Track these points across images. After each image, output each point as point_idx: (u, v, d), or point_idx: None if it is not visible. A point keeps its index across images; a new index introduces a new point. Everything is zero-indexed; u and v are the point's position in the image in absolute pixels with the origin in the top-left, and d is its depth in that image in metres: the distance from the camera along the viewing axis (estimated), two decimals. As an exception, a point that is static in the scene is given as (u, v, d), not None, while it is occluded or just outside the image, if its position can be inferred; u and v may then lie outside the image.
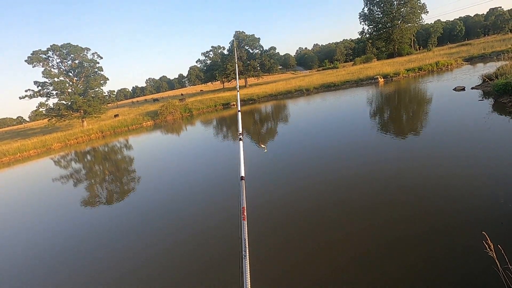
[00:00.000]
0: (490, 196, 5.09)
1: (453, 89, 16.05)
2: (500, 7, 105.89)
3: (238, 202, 1.42)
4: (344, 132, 12.49)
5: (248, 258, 1.04)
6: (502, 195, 4.97)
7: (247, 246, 1.10)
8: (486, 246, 2.62)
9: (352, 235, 4.86)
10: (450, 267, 3.72)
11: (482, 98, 13.01)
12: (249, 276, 0.97)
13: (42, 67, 41.72)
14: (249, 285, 0.92)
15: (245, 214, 1.32)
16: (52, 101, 44.11)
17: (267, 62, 58.92)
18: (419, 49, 72.89)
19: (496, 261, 2.70)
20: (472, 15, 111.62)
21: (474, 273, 3.50)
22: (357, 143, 10.42)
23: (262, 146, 2.89)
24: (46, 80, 41.24)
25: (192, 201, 8.11)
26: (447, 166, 6.81)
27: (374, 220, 5.16)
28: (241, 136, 2.13)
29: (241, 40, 58.15)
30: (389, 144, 9.54)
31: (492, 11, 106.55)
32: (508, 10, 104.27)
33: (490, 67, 19.94)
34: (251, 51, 60.28)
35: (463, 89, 15.64)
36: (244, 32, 58.13)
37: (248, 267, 1.01)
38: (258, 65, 59.87)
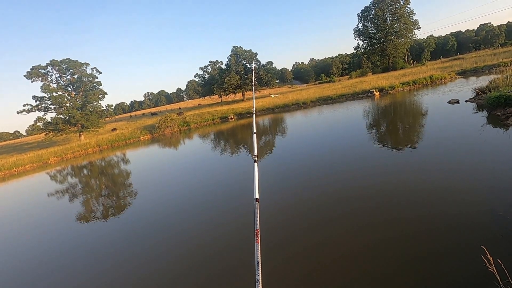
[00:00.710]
0: (488, 209, 5.08)
1: (448, 102, 16.30)
2: (490, 23, 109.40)
3: (253, 223, 1.42)
4: (343, 146, 12.55)
5: (261, 282, 1.03)
6: (500, 208, 4.96)
7: (260, 270, 1.09)
8: (486, 261, 2.60)
9: (356, 251, 4.81)
10: (450, 283, 3.66)
11: (476, 110, 13.21)
12: None
13: (41, 82, 41.99)
14: None
15: (259, 237, 1.31)
16: (50, 116, 44.16)
17: (264, 76, 59.75)
18: (413, 63, 74.49)
19: (497, 276, 2.67)
20: (463, 31, 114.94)
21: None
22: (356, 156, 10.46)
23: (273, 96, 2.82)
24: (45, 94, 41.42)
25: (198, 219, 8.01)
26: (443, 179, 6.83)
27: (373, 237, 5.11)
28: (255, 158, 2.11)
29: (239, 55, 59.15)
30: (386, 157, 9.57)
31: (482, 26, 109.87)
32: (498, 25, 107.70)
33: (482, 81, 20.37)
34: (248, 66, 61.22)
35: (457, 102, 15.90)
36: (242, 47, 59.23)
37: None
38: (255, 79, 60.67)
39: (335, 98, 33.68)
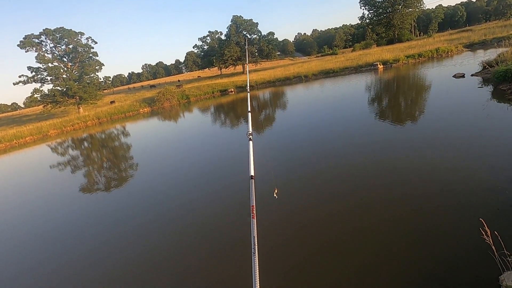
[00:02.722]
0: (488, 183, 5.12)
1: (453, 76, 15.93)
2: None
3: (249, 200, 1.45)
4: (343, 121, 12.44)
5: (257, 255, 1.07)
6: (499, 183, 5.01)
7: (256, 244, 1.14)
8: (483, 232, 2.64)
9: (354, 227, 4.91)
10: (447, 253, 3.78)
11: (482, 85, 12.94)
12: (258, 271, 1.00)
13: (35, 52, 40.75)
14: (258, 280, 0.96)
15: (255, 212, 1.35)
16: (47, 87, 43.42)
17: (266, 47, 57.88)
18: (420, 35, 71.84)
19: (492, 247, 2.73)
20: (474, 0, 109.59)
21: (470, 259, 3.57)
22: (356, 131, 10.41)
23: (275, 193, 2.82)
24: (40, 65, 40.37)
25: (196, 194, 8.12)
26: (444, 154, 6.83)
27: (372, 212, 5.20)
28: (250, 136, 2.14)
29: (239, 25, 56.86)
30: (386, 132, 9.52)
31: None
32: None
33: (490, 54, 19.75)
34: (249, 36, 59.09)
35: (463, 76, 15.54)
36: (242, 17, 56.79)
37: (257, 263, 1.04)
38: (256, 50, 58.87)
39: (338, 71, 32.90)
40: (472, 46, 31.42)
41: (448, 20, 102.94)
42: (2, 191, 12.58)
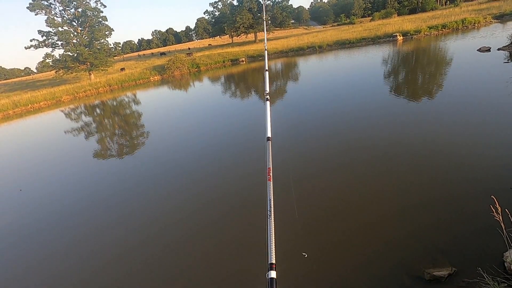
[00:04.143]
0: (503, 162, 5.03)
1: (477, 50, 15.03)
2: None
3: (265, 162, 1.41)
4: (357, 93, 12.09)
5: (273, 218, 1.06)
6: (514, 162, 4.90)
7: (272, 206, 1.12)
8: (494, 210, 2.63)
9: (370, 196, 5.00)
10: (455, 227, 3.84)
11: (508, 60, 12.20)
12: (273, 234, 0.99)
13: (45, 15, 40.13)
14: (274, 242, 0.95)
15: (271, 174, 1.32)
16: (58, 52, 43.28)
17: (279, 15, 55.23)
18: (445, 4, 66.83)
19: (502, 224, 2.74)
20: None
21: (478, 234, 3.63)
22: (368, 104, 10.14)
23: (304, 254, 2.90)
24: (50, 29, 39.98)
25: (210, 158, 8.27)
26: (460, 130, 6.67)
27: (386, 183, 5.23)
28: (268, 96, 2.06)
29: (252, -11, 53.97)
30: (401, 107, 9.26)
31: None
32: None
33: (521, 26, 18.35)
34: (261, 2, 56.25)
35: (488, 50, 14.63)
36: (256, -19, 53.71)
37: (273, 225, 1.03)
38: (269, 18, 56.30)
39: (354, 42, 31.38)
40: (502, 17, 29.15)
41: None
42: (19, 156, 13.11)
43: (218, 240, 4.69)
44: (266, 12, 55.91)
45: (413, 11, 55.20)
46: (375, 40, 29.98)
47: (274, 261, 0.91)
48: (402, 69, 15.74)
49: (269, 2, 56.76)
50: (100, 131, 14.83)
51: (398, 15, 55.85)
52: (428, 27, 28.21)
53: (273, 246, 0.95)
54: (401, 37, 28.22)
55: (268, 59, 34.09)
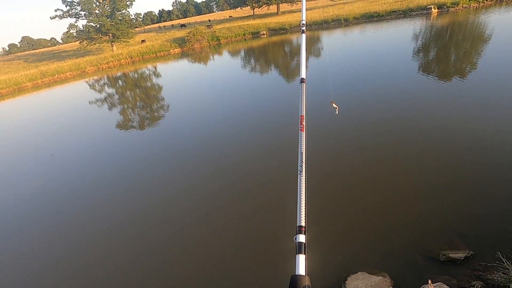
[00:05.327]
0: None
1: (522, 26, 13.65)
2: None
3: (299, 108, 1.21)
4: (385, 71, 11.53)
5: (304, 174, 0.94)
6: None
7: (303, 161, 0.98)
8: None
9: (392, 175, 5.00)
10: (476, 212, 3.79)
11: (556, 38, 11.05)
12: (304, 193, 0.89)
13: (67, -17, 40.21)
14: (304, 203, 0.86)
15: (304, 124, 1.13)
16: (81, 23, 43.70)
17: (304, -16, 52.11)
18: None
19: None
20: None
21: (497, 219, 3.61)
22: (398, 85, 9.68)
23: (334, 106, 2.33)
24: (73, -1, 40.23)
25: (237, 123, 8.38)
26: (486, 113, 6.29)
27: (409, 164, 5.17)
28: (304, 27, 1.70)
29: (277, -44, 50.87)
30: (428, 87, 8.77)
31: None
32: None
33: None
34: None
35: (535, 25, 13.25)
36: None
37: (304, 184, 0.91)
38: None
39: (383, 15, 29.34)
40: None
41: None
42: (49, 124, 13.82)
43: (247, 201, 4.94)
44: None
45: (452, -19, 50.18)
46: (407, 13, 27.88)
47: (303, 224, 0.82)
48: (434, 47, 14.70)
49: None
50: (123, 102, 15.24)
51: (435, -15, 51.08)
52: (468, -2, 25.74)
53: (303, 207, 0.86)
54: (436, 10, 26.05)
55: (290, 33, 32.86)
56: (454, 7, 25.48)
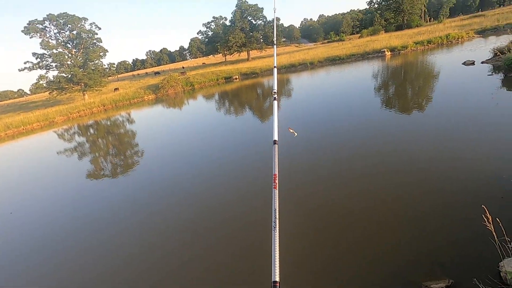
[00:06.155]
0: (493, 172, 5.11)
1: (462, 63, 15.57)
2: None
3: (271, 167, 1.28)
4: (350, 107, 12.34)
5: (278, 229, 0.98)
6: (504, 172, 4.99)
7: (277, 217, 1.03)
8: (485, 219, 2.67)
9: (368, 208, 5.02)
10: (448, 238, 3.85)
11: (492, 72, 12.65)
12: (278, 248, 0.91)
13: (40, 38, 40.64)
14: (278, 255, 0.88)
15: (277, 182, 1.20)
16: (52, 74, 43.61)
17: (271, 34, 56.82)
18: (430, 21, 69.72)
19: (494, 233, 2.76)
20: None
21: (472, 245, 3.63)
22: (361, 118, 10.33)
23: (291, 131, 2.55)
24: (45, 51, 40.41)
25: (210, 170, 8.24)
26: (451, 143, 6.79)
27: (381, 195, 5.26)
28: (275, 95, 1.86)
29: (244, 11, 55.73)
30: (393, 121, 9.44)
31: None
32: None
33: (503, 40, 19.15)
34: (254, 22, 57.99)
35: (473, 63, 15.17)
36: (247, 2, 55.59)
37: (278, 238, 0.94)
38: (261, 37, 57.88)
39: (344, 58, 32.31)
40: (484, 32, 30.46)
41: (460, 5, 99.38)
42: (11, 177, 12.87)
43: (220, 255, 4.60)
44: (259, 31, 57.53)
45: (399, 28, 57.33)
46: (364, 56, 30.89)
47: (278, 279, 0.82)
48: (392, 83, 16.17)
49: (261, 21, 58.47)
50: (94, 150, 14.72)
51: (385, 31, 57.91)
52: (414, 42, 29.27)
53: (277, 262, 0.86)
54: (389, 53, 29.16)
55: (261, 76, 34.79)
56: (404, 50, 28.74)
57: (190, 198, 6.87)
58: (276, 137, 1.49)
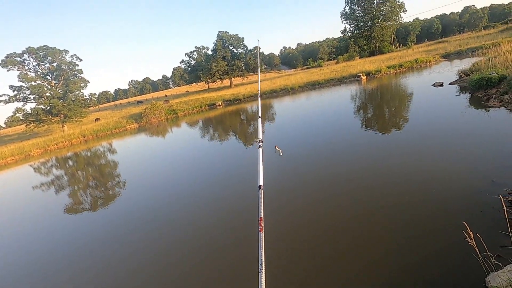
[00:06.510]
0: (470, 186, 5.29)
1: (432, 85, 16.60)
2: (474, 5, 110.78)
3: (257, 211, 1.37)
4: (332, 130, 12.67)
5: (264, 272, 1.00)
6: (481, 185, 5.18)
7: (263, 259, 1.06)
8: (467, 235, 2.72)
9: (353, 239, 4.94)
10: (432, 257, 3.85)
11: (459, 93, 13.52)
12: None
13: (18, 70, 40.05)
14: None
15: (263, 225, 1.27)
16: (30, 106, 42.49)
17: (252, 61, 58.90)
18: (399, 47, 74.92)
19: (476, 249, 2.81)
20: (448, 13, 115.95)
21: (455, 262, 3.65)
22: (345, 140, 10.60)
23: (278, 149, 2.62)
24: (23, 84, 39.65)
25: (195, 208, 8.01)
26: (428, 160, 7.04)
27: (369, 220, 5.27)
28: (260, 143, 2.00)
29: (225, 40, 57.88)
30: (372, 140, 9.75)
31: (467, 9, 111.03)
32: (481, 8, 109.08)
33: (466, 63, 20.75)
34: (235, 51, 60.10)
35: (442, 84, 16.21)
36: (228, 32, 57.91)
37: (264, 281, 0.97)
38: (242, 65, 59.80)
39: (323, 83, 33.71)
40: (448, 56, 32.95)
41: (425, 32, 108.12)
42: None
43: None
44: (240, 59, 59.45)
45: (372, 54, 61.09)
46: (342, 80, 32.39)
47: None
48: (370, 105, 16.89)
49: (242, 50, 60.66)
50: (73, 183, 14.10)
51: (360, 57, 61.46)
52: (387, 67, 31.14)
53: None
54: (365, 77, 30.75)
55: (244, 103, 35.44)
56: (378, 73, 30.44)
57: (171, 238, 6.61)
58: (261, 183, 1.57)
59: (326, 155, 9.30)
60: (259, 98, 3.54)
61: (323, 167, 8.29)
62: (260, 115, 2.71)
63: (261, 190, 1.52)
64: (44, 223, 9.17)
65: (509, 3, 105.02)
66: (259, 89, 3.84)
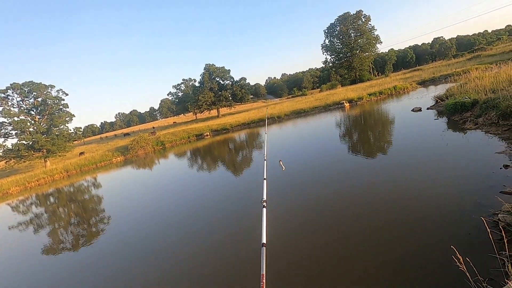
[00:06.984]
0: (456, 208, 5.36)
1: (411, 110, 17.36)
2: (442, 36, 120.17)
3: (260, 268, 1.40)
4: (320, 157, 12.83)
5: None
6: (466, 207, 5.26)
7: None
8: (456, 260, 2.71)
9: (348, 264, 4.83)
10: (425, 281, 3.78)
11: (437, 117, 14.17)
12: None
13: (0, 106, 39.37)
14: None
15: (265, 282, 1.30)
16: (11, 142, 41.31)
17: (238, 92, 60.42)
18: (378, 75, 79.20)
19: (467, 274, 2.79)
20: (420, 44, 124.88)
21: (450, 286, 3.59)
22: (332, 165, 10.72)
23: (281, 164, 2.51)
24: (5, 120, 38.81)
25: (187, 248, 7.69)
26: (413, 184, 7.15)
27: (362, 252, 5.19)
28: (265, 203, 2.02)
29: (212, 72, 59.59)
30: (359, 165, 9.90)
31: (436, 40, 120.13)
32: (449, 39, 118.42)
33: (440, 89, 22.02)
34: (222, 82, 61.73)
35: (420, 109, 16.98)
36: (214, 65, 59.83)
37: None
38: (229, 95, 61.17)
39: (308, 110, 34.69)
40: (424, 83, 34.93)
41: (401, 61, 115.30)
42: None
43: None
44: (227, 90, 60.93)
45: (353, 82, 64.12)
46: (326, 108, 33.46)
47: None
48: (355, 131, 17.38)
49: (228, 81, 62.40)
50: (53, 221, 13.37)
51: (342, 86, 64.31)
52: (368, 94, 32.58)
53: None
54: (348, 104, 31.93)
55: (232, 132, 35.70)
56: (360, 100, 31.72)
57: (157, 279, 6.28)
58: (264, 240, 1.58)
59: (314, 179, 9.33)
60: (265, 162, 3.16)
61: (311, 191, 8.27)
62: (265, 177, 2.51)
63: (264, 248, 1.53)
64: (22, 266, 8.51)
65: (473, 34, 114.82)
66: (266, 147, 3.39)
